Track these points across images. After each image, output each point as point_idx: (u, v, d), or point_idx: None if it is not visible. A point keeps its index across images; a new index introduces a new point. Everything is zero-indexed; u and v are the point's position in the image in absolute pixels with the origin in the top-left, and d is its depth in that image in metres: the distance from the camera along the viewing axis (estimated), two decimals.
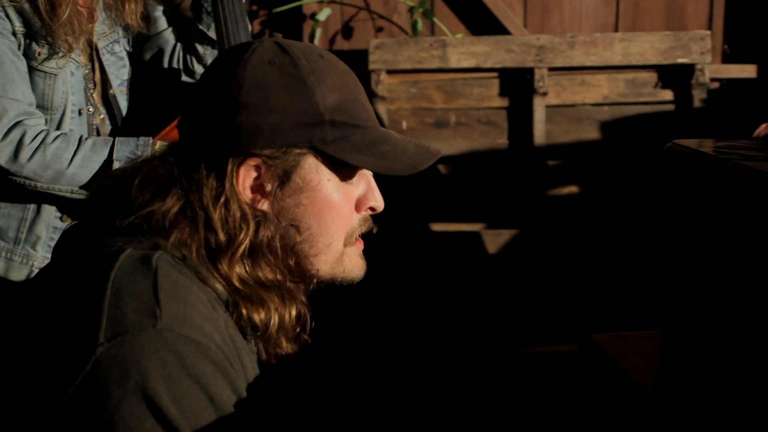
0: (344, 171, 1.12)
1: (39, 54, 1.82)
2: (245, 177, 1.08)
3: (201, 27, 2.12)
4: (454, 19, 3.29)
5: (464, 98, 3.15)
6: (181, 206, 1.05)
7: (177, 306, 0.95)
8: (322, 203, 1.11)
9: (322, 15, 3.18)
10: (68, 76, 1.89)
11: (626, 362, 1.44)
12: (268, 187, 1.09)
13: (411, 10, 3.19)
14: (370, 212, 1.18)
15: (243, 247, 1.07)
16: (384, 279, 2.93)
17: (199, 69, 2.13)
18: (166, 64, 2.14)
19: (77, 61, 1.91)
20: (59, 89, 1.87)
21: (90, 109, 1.94)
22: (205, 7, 2.11)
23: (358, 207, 1.16)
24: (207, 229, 1.06)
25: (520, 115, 3.13)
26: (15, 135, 1.77)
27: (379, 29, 3.30)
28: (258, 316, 1.07)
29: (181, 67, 2.14)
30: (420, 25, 3.17)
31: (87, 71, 1.94)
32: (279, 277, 1.12)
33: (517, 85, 3.12)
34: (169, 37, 2.16)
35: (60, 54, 1.83)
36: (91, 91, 1.95)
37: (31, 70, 1.83)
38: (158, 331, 0.93)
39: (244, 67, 1.08)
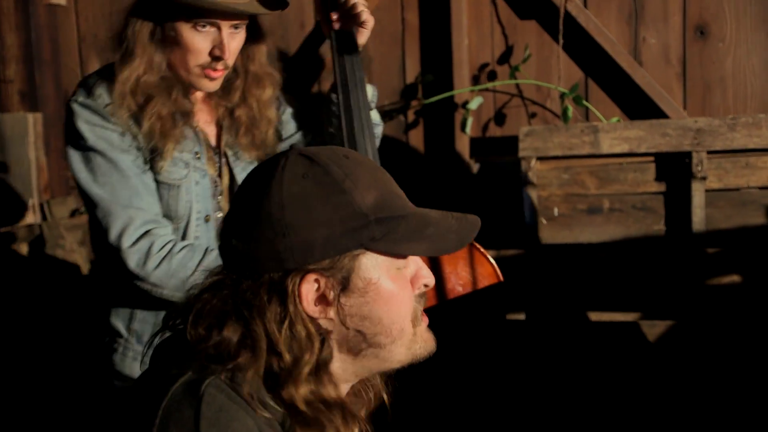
0: (398, 260, 1.18)
1: (161, 168, 1.92)
2: (307, 293, 1.13)
3: (331, 130, 2.17)
4: (610, 103, 3.23)
5: (618, 183, 3.07)
6: (240, 336, 1.11)
7: None
8: (387, 295, 1.16)
9: (474, 104, 3.22)
10: (192, 185, 1.97)
11: None
12: (331, 296, 1.14)
13: (562, 96, 3.17)
14: (424, 288, 1.23)
15: (309, 366, 1.12)
16: (530, 370, 2.88)
17: None
18: None
19: (203, 170, 2.00)
20: (183, 198, 1.96)
21: (219, 215, 2.01)
22: (333, 110, 2.15)
23: (412, 286, 1.21)
24: (271, 353, 1.11)
25: (678, 200, 3.00)
26: (144, 243, 1.86)
27: (533, 115, 3.30)
28: None
29: None
30: (571, 112, 3.14)
31: (214, 178, 2.03)
32: (343, 391, 1.17)
33: (675, 169, 3.00)
34: (300, 140, 2.23)
35: (168, 161, 1.91)
36: (219, 197, 2.03)
37: (157, 183, 1.94)
38: None
39: (280, 187, 1.12)
